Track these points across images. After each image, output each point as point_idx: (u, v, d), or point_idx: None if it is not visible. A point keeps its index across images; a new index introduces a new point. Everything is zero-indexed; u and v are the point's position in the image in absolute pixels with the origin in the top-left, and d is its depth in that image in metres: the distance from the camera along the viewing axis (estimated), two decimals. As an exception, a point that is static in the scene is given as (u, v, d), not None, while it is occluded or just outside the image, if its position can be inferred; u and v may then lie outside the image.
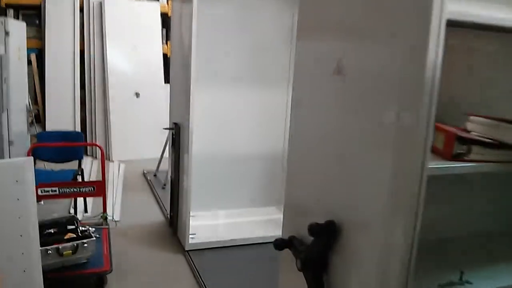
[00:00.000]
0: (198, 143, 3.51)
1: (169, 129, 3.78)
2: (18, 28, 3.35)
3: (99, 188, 3.38)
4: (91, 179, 4.89)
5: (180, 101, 3.70)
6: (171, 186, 3.79)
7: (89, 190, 3.37)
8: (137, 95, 6.03)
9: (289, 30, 3.94)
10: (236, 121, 3.97)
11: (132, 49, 6.04)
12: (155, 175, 5.31)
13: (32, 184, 2.39)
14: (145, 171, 5.46)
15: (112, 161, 5.80)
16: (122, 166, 5.64)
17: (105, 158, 3.69)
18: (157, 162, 5.34)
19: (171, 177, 3.79)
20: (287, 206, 1.86)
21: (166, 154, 4.75)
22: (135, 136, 5.98)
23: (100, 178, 3.45)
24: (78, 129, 5.89)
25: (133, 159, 5.89)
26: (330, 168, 1.51)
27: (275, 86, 4.01)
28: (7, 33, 2.83)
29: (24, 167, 2.33)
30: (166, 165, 5.09)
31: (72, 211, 3.96)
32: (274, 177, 4.15)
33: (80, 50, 5.86)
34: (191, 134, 3.44)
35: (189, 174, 3.50)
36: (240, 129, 3.99)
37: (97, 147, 3.96)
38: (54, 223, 2.99)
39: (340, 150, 1.45)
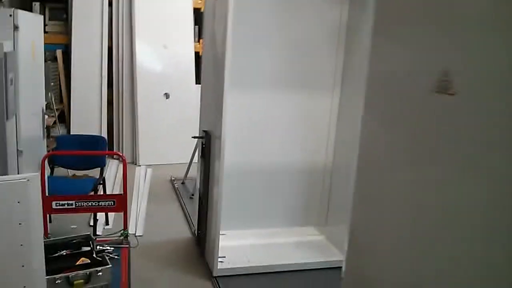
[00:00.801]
0: (230, 153, 3.11)
1: (199, 137, 3.39)
2: (32, 22, 3.00)
3: (120, 203, 3.03)
4: (114, 188, 4.54)
5: (212, 107, 3.30)
6: (199, 201, 3.40)
7: (109, 204, 3.02)
8: (167, 96, 5.68)
9: (336, 28, 3.49)
10: (273, 130, 3.55)
11: (163, 46, 5.69)
12: (183, 183, 4.94)
13: (37, 204, 2.02)
14: (172, 178, 5.10)
15: (139, 165, 5.46)
16: (149, 171, 5.30)
17: (130, 163, 3.36)
18: (186, 169, 4.98)
19: (199, 190, 3.39)
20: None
21: (196, 160, 4.39)
22: (163, 139, 5.63)
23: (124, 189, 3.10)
24: (104, 130, 5.58)
25: (160, 164, 5.54)
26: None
27: (318, 91, 3.57)
28: (16, 28, 2.48)
29: (28, 185, 1.97)
30: (194, 172, 4.74)
31: (92, 222, 3.62)
32: (314, 193, 3.72)
33: (108, 47, 5.54)
34: (223, 145, 3.04)
35: (220, 188, 3.10)
36: (276, 139, 3.57)
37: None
38: (66, 243, 2.64)
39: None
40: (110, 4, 5.55)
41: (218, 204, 3.11)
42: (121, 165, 5.26)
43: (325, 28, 3.48)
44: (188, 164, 4.95)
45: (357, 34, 3.34)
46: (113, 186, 4.64)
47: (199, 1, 5.97)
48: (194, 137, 3.46)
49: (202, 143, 3.30)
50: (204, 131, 3.30)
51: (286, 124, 3.56)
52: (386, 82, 1.32)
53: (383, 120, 1.36)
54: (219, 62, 3.04)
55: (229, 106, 2.99)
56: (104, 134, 5.42)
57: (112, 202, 3.00)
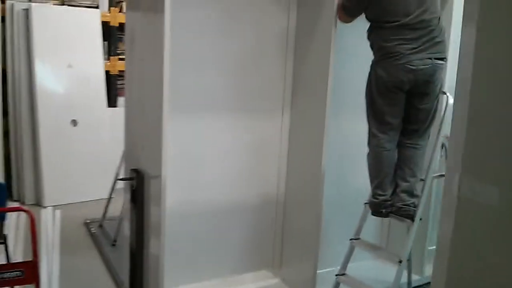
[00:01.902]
0: (168, 195, 2.53)
1: (127, 179, 2.74)
2: None
3: (30, 272, 2.30)
4: (16, 247, 3.65)
5: (143, 140, 2.70)
6: (131, 256, 2.74)
7: (15, 275, 2.27)
8: (75, 123, 4.89)
9: (284, 38, 3.03)
10: (216, 161, 2.98)
11: (67, 66, 4.90)
12: (100, 226, 4.19)
13: None
14: (87, 220, 4.33)
15: (45, 207, 4.60)
16: (58, 213, 4.43)
17: (33, 205, 2.57)
18: (103, 207, 4.23)
19: (131, 244, 2.74)
20: None
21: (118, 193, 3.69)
22: (73, 174, 4.80)
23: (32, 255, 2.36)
24: (0, 167, 4.65)
25: (71, 202, 4.71)
26: None
27: (266, 112, 3.08)
28: None
29: None
30: (114, 211, 4.03)
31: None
32: (266, 232, 3.21)
33: (2, 70, 4.64)
34: (163, 186, 2.45)
35: (162, 240, 2.50)
36: (220, 172, 3.01)
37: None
38: None
39: None
40: (3, 20, 4.68)
41: (160, 260, 2.50)
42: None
43: (272, 38, 3.02)
44: (106, 201, 4.22)
45: (307, 43, 2.92)
46: (14, 242, 3.75)
47: (108, 14, 5.29)
48: (122, 180, 2.81)
49: (131, 185, 2.67)
50: (133, 170, 2.67)
51: (231, 154, 3.02)
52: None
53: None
54: (153, 85, 2.46)
55: (168, 136, 2.43)
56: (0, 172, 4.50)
57: (19, 272, 2.27)
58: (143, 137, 2.72)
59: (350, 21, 2.70)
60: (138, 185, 2.58)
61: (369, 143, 2.73)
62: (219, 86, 2.90)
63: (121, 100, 5.30)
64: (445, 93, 2.78)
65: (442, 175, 3.17)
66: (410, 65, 2.49)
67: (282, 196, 3.18)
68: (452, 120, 1.38)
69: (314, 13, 2.83)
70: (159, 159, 2.43)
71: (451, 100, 2.75)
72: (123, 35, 4.65)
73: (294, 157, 3.09)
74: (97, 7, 5.26)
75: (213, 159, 2.96)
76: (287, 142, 3.13)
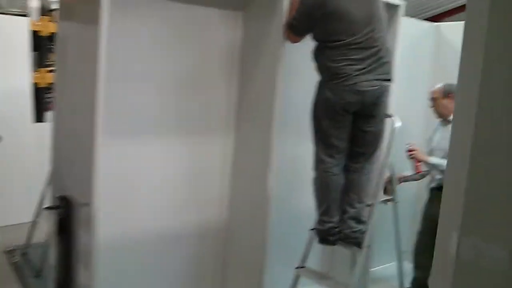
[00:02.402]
0: (100, 224, 2.29)
1: (54, 208, 2.46)
2: None
3: None
4: None
5: (73, 161, 2.46)
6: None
7: None
8: (-2, 139, 4.47)
9: (229, 56, 2.89)
10: (155, 187, 2.75)
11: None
12: (24, 254, 3.81)
13: None
14: (9, 248, 3.92)
15: (-41, 232, 4.15)
16: (-25, 239, 4.03)
17: None
18: (27, 233, 3.86)
19: (57, 277, 2.45)
20: None
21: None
22: (-6, 194, 4.38)
23: None
24: None
25: (-9, 227, 4.30)
26: None
27: (209, 133, 2.92)
28: None
29: None
30: (40, 235, 3.68)
31: None
32: (208, 261, 3.02)
33: None
34: (95, 214, 2.22)
35: (91, 271, 2.26)
36: (159, 199, 2.78)
37: None
38: None
39: None
40: None
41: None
42: None
43: (216, 57, 2.86)
44: (30, 225, 3.85)
45: (253, 62, 2.79)
46: None
47: (37, 23, 4.92)
48: (48, 208, 2.53)
49: (59, 214, 2.40)
50: (60, 197, 2.41)
51: (171, 179, 2.81)
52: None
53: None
54: (86, 102, 2.24)
55: (102, 159, 2.21)
56: None
57: None
58: (72, 159, 2.47)
59: (299, 41, 2.60)
60: (66, 214, 2.32)
61: (315, 168, 2.63)
62: (158, 106, 2.70)
63: (49, 115, 4.92)
64: (390, 116, 2.73)
65: (388, 200, 3.17)
66: (358, 86, 2.42)
67: (225, 223, 3.01)
68: (448, 163, 1.17)
69: (261, 31, 2.72)
70: (91, 186, 2.19)
71: (396, 123, 2.72)
72: (54, 45, 4.33)
73: (238, 181, 2.94)
74: (26, 15, 4.88)
75: (151, 184, 2.74)
76: (231, 166, 2.97)
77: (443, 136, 3.30)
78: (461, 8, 6.04)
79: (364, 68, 2.43)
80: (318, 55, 2.56)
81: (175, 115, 2.76)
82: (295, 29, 2.55)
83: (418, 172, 3.27)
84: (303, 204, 2.99)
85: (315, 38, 2.56)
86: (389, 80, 2.55)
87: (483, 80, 1.06)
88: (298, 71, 2.94)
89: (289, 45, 2.62)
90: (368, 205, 2.69)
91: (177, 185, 2.84)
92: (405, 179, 3.41)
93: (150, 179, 2.73)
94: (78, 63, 2.41)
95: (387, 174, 3.31)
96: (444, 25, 4.01)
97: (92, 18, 2.15)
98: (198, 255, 2.97)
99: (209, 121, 2.90)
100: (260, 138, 2.71)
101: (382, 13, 2.57)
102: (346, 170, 2.63)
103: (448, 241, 1.04)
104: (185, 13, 2.70)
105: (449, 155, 1.14)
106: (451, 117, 3.22)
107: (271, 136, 2.62)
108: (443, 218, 1.10)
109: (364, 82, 2.43)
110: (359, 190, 2.63)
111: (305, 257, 2.73)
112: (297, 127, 2.97)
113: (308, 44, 2.58)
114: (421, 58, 3.91)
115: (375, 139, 2.62)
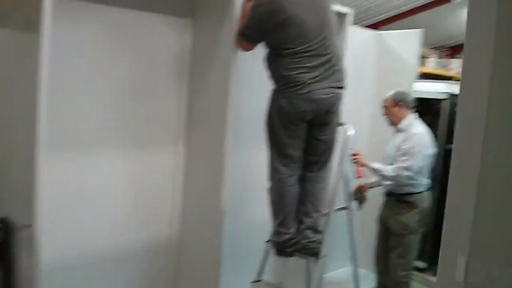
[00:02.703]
0: (43, 246, 2.11)
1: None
2: None
3: None
4: None
5: (10, 179, 2.26)
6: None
7: None
8: None
9: (178, 61, 2.77)
10: (101, 203, 2.60)
11: None
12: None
13: None
14: None
15: None
16: None
17: None
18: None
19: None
20: None
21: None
22: None
23: None
24: None
25: None
26: None
27: (158, 145, 2.79)
28: None
29: None
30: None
31: None
32: (158, 278, 2.88)
33: None
34: (37, 236, 2.04)
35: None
36: (106, 215, 2.62)
37: None
38: None
39: None
40: None
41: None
42: None
43: (163, 64, 2.74)
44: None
45: (204, 69, 2.70)
46: None
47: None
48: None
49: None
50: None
51: (118, 194, 2.66)
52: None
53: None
54: (23, 114, 2.06)
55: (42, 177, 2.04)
56: None
57: None
58: (9, 177, 2.27)
59: (251, 49, 2.55)
60: (5, 238, 2.12)
61: (270, 178, 2.57)
62: (103, 117, 2.54)
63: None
64: (343, 125, 2.73)
65: (343, 208, 3.17)
66: (313, 94, 2.40)
67: (177, 237, 2.89)
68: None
69: (211, 39, 2.64)
70: (32, 205, 2.01)
71: (349, 131, 2.72)
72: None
73: (190, 194, 2.83)
74: None
75: (97, 201, 2.57)
76: (182, 178, 2.85)
77: (392, 143, 3.39)
78: (398, 16, 6.27)
79: (317, 76, 2.41)
80: (271, 63, 2.51)
81: (121, 127, 2.61)
82: (247, 37, 2.49)
83: (359, 177, 3.35)
84: (258, 215, 2.93)
85: (268, 45, 2.51)
86: (342, 87, 2.54)
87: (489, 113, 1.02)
88: (250, 79, 2.88)
89: (240, 53, 2.55)
90: (324, 214, 2.67)
91: (125, 200, 2.69)
92: (371, 185, 3.51)
93: (96, 196, 2.56)
94: (14, 70, 2.22)
95: (355, 183, 3.38)
96: (386, 33, 4.11)
97: (31, 25, 1.98)
98: (149, 273, 2.83)
99: (158, 132, 2.77)
100: (212, 149, 2.62)
101: (333, 20, 2.57)
102: (301, 179, 2.60)
103: (454, 264, 1.00)
104: (130, 19, 2.56)
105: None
106: (400, 125, 3.37)
107: (224, 147, 2.53)
108: (447, 241, 1.05)
109: (319, 90, 2.41)
110: (315, 199, 2.60)
111: (261, 270, 2.67)
112: (250, 136, 2.91)
113: (260, 51, 2.53)
114: (367, 66, 3.98)
115: (328, 147, 2.61)
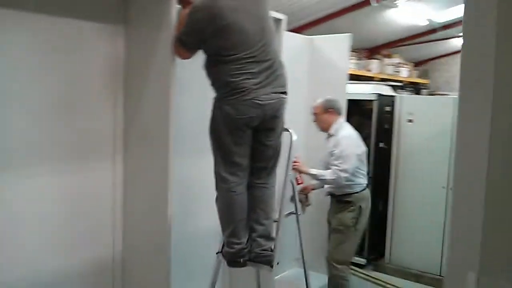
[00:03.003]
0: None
1: None
2: None
3: None
4: None
5: None
6: None
7: None
8: None
9: (112, 69, 2.61)
10: (33, 226, 2.38)
11: None
12: None
13: None
14: None
15: None
16: None
17: None
18: None
19: None
20: None
21: None
22: None
23: None
24: None
25: None
26: None
27: (93, 160, 2.60)
28: None
29: None
30: None
31: None
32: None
33: None
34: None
35: None
36: (39, 240, 2.40)
37: None
38: None
39: None
40: None
41: None
42: None
43: (95, 74, 2.56)
44: None
45: (140, 79, 2.57)
46: None
47: None
48: None
49: None
50: None
51: (52, 215, 2.44)
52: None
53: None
54: None
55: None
56: None
57: None
58: None
59: (189, 57, 2.46)
60: None
61: (217, 188, 2.50)
62: (31, 133, 2.33)
63: None
64: (288, 130, 2.72)
65: (291, 213, 3.17)
66: (258, 100, 2.36)
67: (120, 256, 2.72)
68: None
69: (147, 47, 2.52)
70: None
71: (294, 137, 2.72)
72: None
73: (132, 209, 2.68)
74: None
75: (29, 224, 2.35)
76: (122, 193, 2.69)
77: (326, 148, 3.54)
78: (318, 21, 6.43)
79: (261, 82, 2.38)
80: (212, 69, 2.45)
81: (52, 142, 2.41)
82: (185, 44, 2.41)
83: (299, 183, 3.44)
84: (205, 224, 2.85)
85: (207, 52, 2.45)
86: (285, 92, 2.53)
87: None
88: (188, 87, 2.79)
89: (179, 61, 2.46)
90: (275, 221, 2.63)
91: (60, 221, 2.47)
92: (313, 187, 3.67)
93: (28, 218, 2.34)
94: None
95: (300, 187, 3.44)
96: (317, 37, 4.17)
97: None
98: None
99: (93, 146, 2.59)
100: (154, 161, 2.51)
101: (272, 27, 2.55)
102: (249, 186, 2.55)
103: (463, 281, 0.96)
104: (58, 27, 2.38)
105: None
106: (331, 130, 3.48)
107: (167, 158, 2.42)
108: (455, 256, 1.02)
109: (263, 96, 2.38)
110: (265, 206, 2.56)
111: (213, 283, 2.58)
112: (191, 145, 2.82)
113: (199, 58, 2.45)
114: (300, 70, 4.02)
115: (275, 152, 2.58)
